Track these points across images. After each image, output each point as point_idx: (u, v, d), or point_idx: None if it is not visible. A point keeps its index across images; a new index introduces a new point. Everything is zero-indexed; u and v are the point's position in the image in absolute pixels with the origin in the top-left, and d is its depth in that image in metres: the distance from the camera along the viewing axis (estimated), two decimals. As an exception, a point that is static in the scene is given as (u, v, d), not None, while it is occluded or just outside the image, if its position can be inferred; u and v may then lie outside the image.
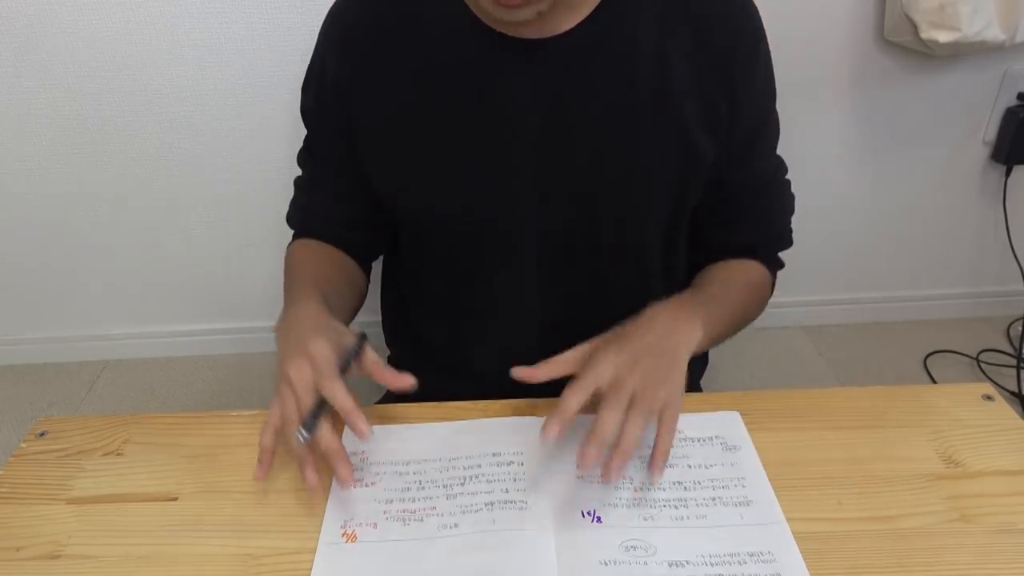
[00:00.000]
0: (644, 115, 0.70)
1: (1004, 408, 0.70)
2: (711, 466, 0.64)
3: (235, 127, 1.49)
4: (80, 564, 0.58)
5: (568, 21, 0.68)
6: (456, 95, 0.70)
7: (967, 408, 0.70)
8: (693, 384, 0.93)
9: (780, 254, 0.87)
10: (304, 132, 0.83)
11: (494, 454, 0.65)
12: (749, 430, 0.68)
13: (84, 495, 0.64)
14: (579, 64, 0.68)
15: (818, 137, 1.55)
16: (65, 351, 1.80)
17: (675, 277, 0.88)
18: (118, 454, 0.68)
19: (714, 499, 0.61)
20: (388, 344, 0.96)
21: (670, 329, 0.64)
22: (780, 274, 0.88)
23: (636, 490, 0.61)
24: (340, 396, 0.57)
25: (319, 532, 0.59)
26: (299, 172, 0.85)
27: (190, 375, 1.77)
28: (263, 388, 1.72)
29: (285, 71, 1.42)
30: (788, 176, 0.84)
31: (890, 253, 1.72)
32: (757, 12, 0.73)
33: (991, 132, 1.58)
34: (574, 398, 0.57)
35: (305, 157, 0.83)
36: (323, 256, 0.81)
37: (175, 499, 0.63)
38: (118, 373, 1.78)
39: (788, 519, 0.60)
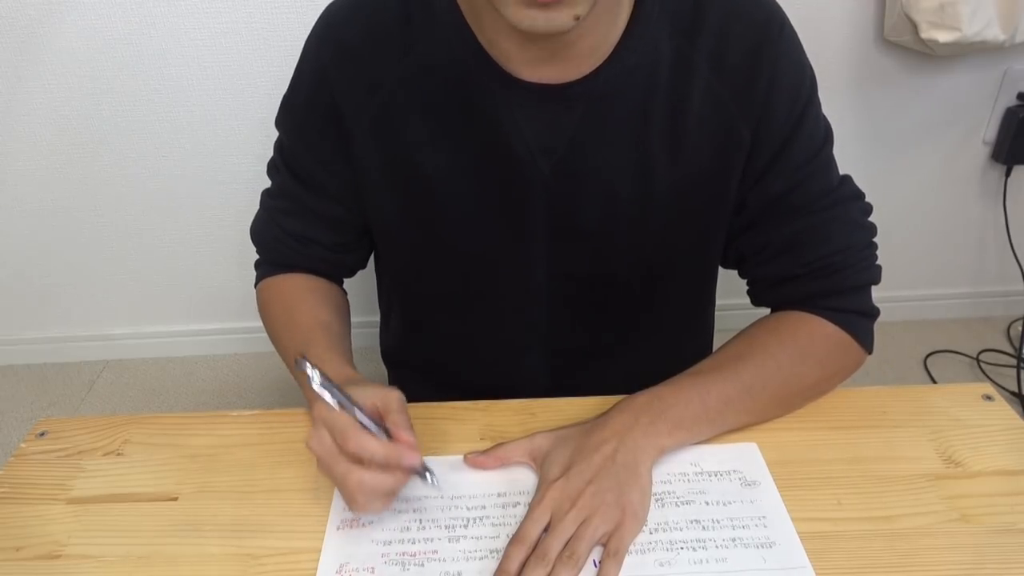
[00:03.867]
0: (659, 154, 0.67)
1: (1004, 408, 0.70)
2: (730, 503, 0.61)
3: (235, 127, 1.49)
4: (80, 564, 0.58)
5: (585, 66, 0.64)
6: (466, 134, 0.67)
7: (967, 408, 0.70)
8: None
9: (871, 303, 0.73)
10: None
11: (499, 494, 0.62)
12: (749, 428, 0.68)
13: (84, 495, 0.64)
14: (594, 110, 0.65)
15: (818, 137, 1.55)
16: (65, 351, 1.80)
17: (707, 313, 0.86)
18: (118, 454, 0.68)
19: (734, 540, 0.58)
20: (383, 357, 0.94)
21: (628, 437, 0.61)
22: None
23: (651, 532, 0.59)
24: (371, 447, 0.54)
25: (319, 533, 0.59)
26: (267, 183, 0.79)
27: (190, 375, 1.77)
28: (263, 388, 1.72)
29: (285, 71, 1.41)
30: (856, 205, 0.72)
31: (890, 253, 1.71)
32: (789, 39, 0.67)
33: (991, 132, 1.58)
34: (534, 527, 0.57)
35: (285, 177, 0.75)
36: (315, 298, 0.76)
37: (175, 499, 0.63)
38: (118, 373, 1.78)
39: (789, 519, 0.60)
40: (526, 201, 0.69)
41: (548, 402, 0.71)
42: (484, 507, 0.61)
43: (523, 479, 0.63)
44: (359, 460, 0.54)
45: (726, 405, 0.65)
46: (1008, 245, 1.68)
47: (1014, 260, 1.69)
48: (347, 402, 0.56)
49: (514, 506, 0.61)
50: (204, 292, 1.73)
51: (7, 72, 1.42)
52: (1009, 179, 1.62)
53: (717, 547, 0.58)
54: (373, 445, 0.54)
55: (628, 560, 0.56)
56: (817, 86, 0.70)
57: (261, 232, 0.79)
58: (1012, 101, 1.54)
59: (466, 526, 0.60)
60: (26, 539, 0.60)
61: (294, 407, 0.72)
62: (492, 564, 0.56)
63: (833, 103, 1.53)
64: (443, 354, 0.85)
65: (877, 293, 0.72)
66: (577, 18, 0.56)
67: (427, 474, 0.58)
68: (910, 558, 0.57)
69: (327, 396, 0.55)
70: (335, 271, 0.81)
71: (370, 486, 0.55)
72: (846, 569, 0.56)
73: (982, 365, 1.71)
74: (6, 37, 1.38)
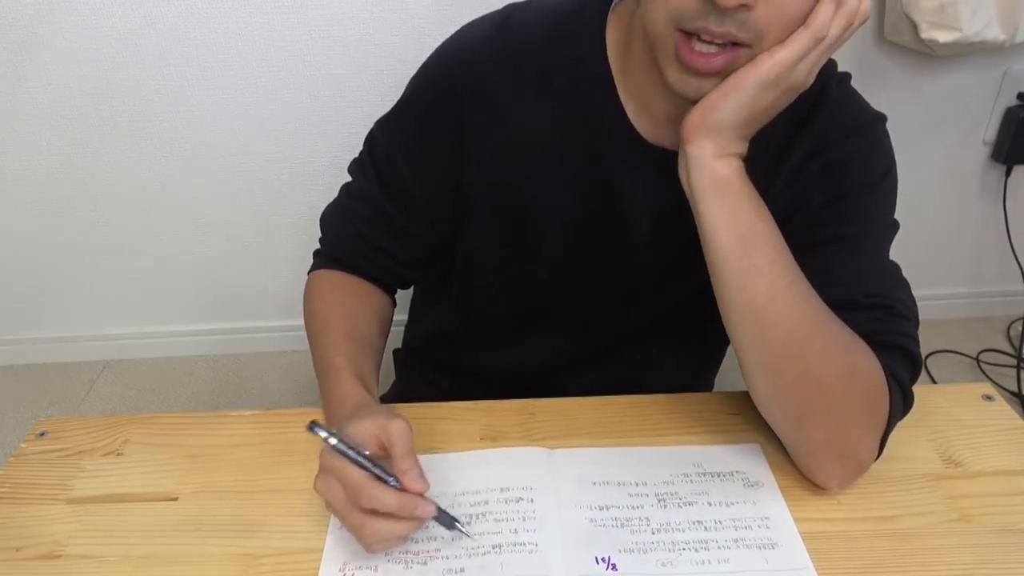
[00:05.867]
0: None
1: (1004, 408, 0.70)
2: (732, 504, 0.61)
3: (235, 127, 1.49)
4: (80, 564, 0.58)
5: None
6: (579, 180, 0.68)
7: (967, 408, 0.70)
8: (705, 384, 0.93)
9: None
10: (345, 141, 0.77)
11: (502, 489, 0.62)
12: (752, 428, 0.68)
13: (84, 495, 0.64)
14: None
15: (818, 137, 1.55)
16: (65, 351, 1.80)
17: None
18: (118, 454, 0.68)
19: (737, 541, 0.58)
20: (406, 342, 0.94)
21: None
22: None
23: (653, 532, 0.59)
24: (386, 501, 0.54)
25: (320, 533, 0.59)
26: (348, 178, 0.79)
27: (190, 375, 1.77)
28: (263, 388, 1.72)
29: (285, 71, 1.42)
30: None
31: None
32: (881, 135, 0.73)
33: (991, 132, 1.58)
34: None
35: (373, 183, 0.74)
36: (363, 308, 0.76)
37: (175, 499, 0.63)
38: (118, 373, 1.78)
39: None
40: (618, 255, 0.71)
41: (548, 402, 0.71)
42: (487, 502, 0.61)
43: (525, 474, 0.63)
44: (373, 512, 0.54)
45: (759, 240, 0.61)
46: (1008, 245, 1.68)
47: (1014, 260, 1.69)
48: (360, 458, 0.55)
49: (516, 501, 0.61)
50: (204, 292, 1.73)
51: (7, 72, 1.42)
52: (1009, 179, 1.62)
53: (720, 548, 0.58)
54: (388, 499, 0.54)
55: (629, 559, 0.57)
56: (895, 191, 0.72)
57: (333, 226, 0.79)
58: (1012, 101, 1.54)
59: (469, 522, 0.60)
60: (26, 539, 0.60)
61: (294, 407, 0.72)
62: (496, 560, 0.56)
63: (833, 103, 1.53)
64: (468, 353, 0.85)
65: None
66: None
67: (456, 524, 0.57)
68: (910, 558, 0.57)
69: (340, 454, 0.55)
70: (392, 282, 0.81)
71: (384, 535, 0.55)
72: (847, 569, 0.56)
73: (982, 365, 1.70)
74: (6, 37, 1.38)
